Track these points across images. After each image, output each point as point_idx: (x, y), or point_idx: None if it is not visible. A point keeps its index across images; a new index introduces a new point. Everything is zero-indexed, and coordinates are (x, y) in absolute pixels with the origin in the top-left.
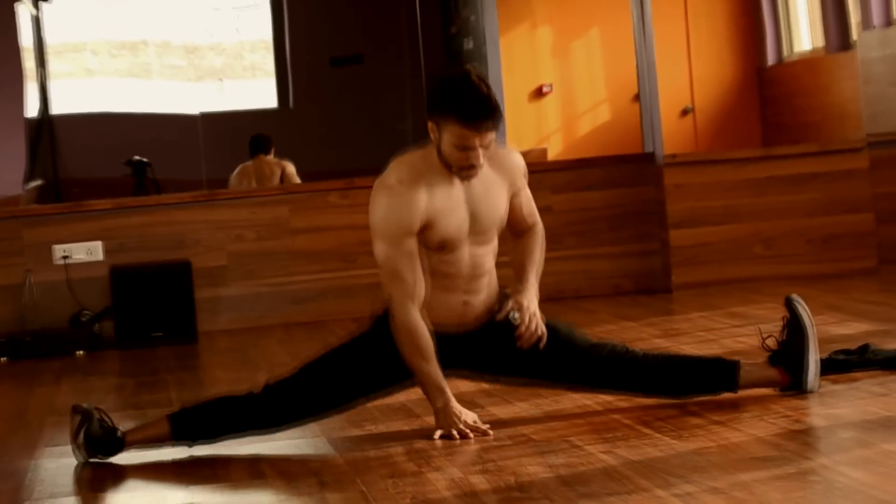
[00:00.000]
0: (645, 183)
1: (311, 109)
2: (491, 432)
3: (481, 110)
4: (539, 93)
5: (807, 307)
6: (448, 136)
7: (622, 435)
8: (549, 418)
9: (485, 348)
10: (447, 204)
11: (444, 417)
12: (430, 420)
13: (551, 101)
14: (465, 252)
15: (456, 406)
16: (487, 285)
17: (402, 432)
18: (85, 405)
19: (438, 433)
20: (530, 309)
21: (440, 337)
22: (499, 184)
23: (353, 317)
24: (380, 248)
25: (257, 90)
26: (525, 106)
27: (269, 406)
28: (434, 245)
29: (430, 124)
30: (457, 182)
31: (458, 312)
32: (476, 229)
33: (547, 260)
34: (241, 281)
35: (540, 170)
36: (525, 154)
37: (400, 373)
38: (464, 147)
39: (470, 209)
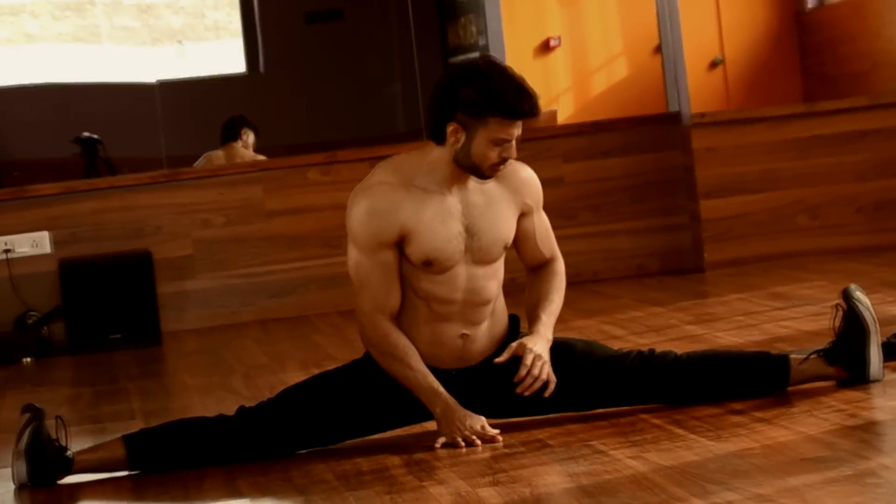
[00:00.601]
0: (670, 147)
1: (285, 74)
2: (501, 438)
3: (524, 97)
4: (546, 47)
5: (867, 299)
6: (485, 134)
7: (652, 437)
8: (568, 420)
9: (492, 384)
10: (437, 214)
11: (447, 423)
12: (432, 426)
13: (560, 56)
14: (461, 273)
15: (459, 410)
16: (491, 315)
17: (400, 441)
18: (39, 406)
19: (441, 441)
20: (536, 352)
21: (439, 374)
22: (504, 198)
23: (338, 310)
24: (352, 255)
25: (222, 53)
26: (530, 63)
27: (242, 433)
28: (419, 261)
29: (452, 127)
30: (454, 191)
31: (457, 346)
32: (473, 247)
33: (560, 238)
34: (210, 272)
35: (549, 135)
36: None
37: (397, 416)
38: (502, 142)
39: (465, 223)
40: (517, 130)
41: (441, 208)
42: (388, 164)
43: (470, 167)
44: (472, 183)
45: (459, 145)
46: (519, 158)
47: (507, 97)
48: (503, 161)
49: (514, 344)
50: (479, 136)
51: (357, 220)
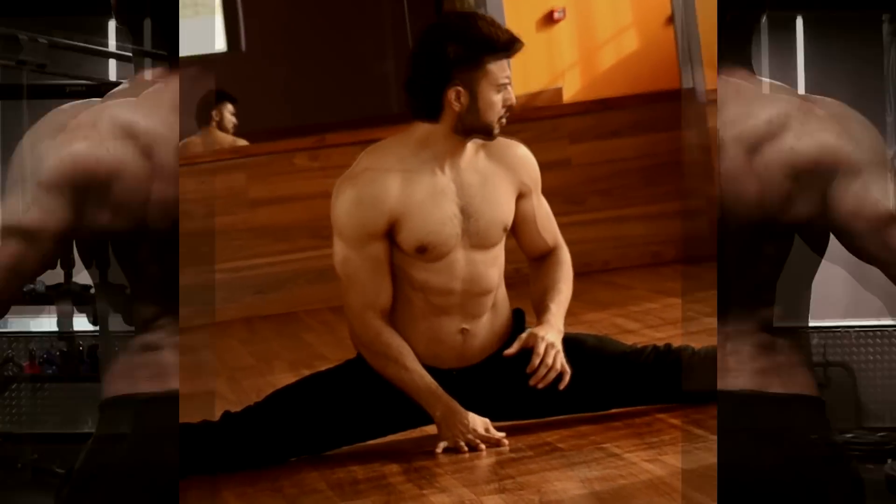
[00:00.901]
0: (685, 126)
1: (269, 52)
2: (506, 441)
3: (503, 28)
4: (549, 19)
5: None
6: (487, 82)
7: (670, 438)
8: (579, 422)
9: (495, 384)
10: (429, 195)
11: (448, 427)
12: (432, 429)
13: (565, 28)
14: (459, 258)
15: (461, 412)
16: (492, 308)
17: (398, 446)
18: None
19: (442, 445)
20: (548, 340)
21: (438, 374)
22: (499, 176)
23: (329, 305)
24: (339, 249)
25: (200, 31)
26: (533, 36)
27: (227, 440)
28: (413, 248)
29: (454, 91)
30: (446, 170)
31: (457, 343)
32: (470, 229)
33: (567, 225)
34: (190, 267)
35: (554, 115)
36: (535, 96)
37: (395, 420)
38: (502, 84)
39: (461, 204)
40: (509, 68)
41: (433, 189)
42: (373, 150)
43: (479, 127)
44: (466, 161)
45: (465, 108)
46: (522, 140)
47: (494, 34)
48: (508, 109)
49: (523, 335)
50: (482, 87)
51: (343, 212)
